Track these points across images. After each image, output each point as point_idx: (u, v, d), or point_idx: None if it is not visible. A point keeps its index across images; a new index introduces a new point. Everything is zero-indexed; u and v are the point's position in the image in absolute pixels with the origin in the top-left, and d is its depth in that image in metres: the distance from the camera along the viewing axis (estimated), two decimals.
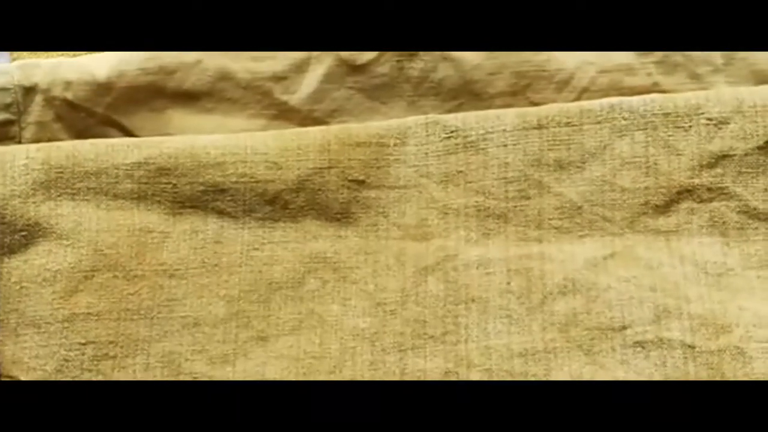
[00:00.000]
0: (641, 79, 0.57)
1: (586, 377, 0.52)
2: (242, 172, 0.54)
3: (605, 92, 0.57)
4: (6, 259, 0.51)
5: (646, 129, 0.55)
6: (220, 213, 0.54)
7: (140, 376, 0.51)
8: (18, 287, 0.51)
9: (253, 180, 0.54)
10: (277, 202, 0.54)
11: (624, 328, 0.52)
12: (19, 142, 0.54)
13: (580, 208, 0.55)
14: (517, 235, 0.54)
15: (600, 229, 0.54)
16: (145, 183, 0.53)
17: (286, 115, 0.57)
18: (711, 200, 0.54)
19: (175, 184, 0.53)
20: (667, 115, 0.55)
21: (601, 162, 0.55)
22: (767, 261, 0.53)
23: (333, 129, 0.55)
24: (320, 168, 0.54)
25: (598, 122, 0.55)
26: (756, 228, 0.54)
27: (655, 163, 0.54)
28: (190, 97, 0.56)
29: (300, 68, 0.57)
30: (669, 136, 0.55)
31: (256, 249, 0.54)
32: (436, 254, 0.54)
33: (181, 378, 0.52)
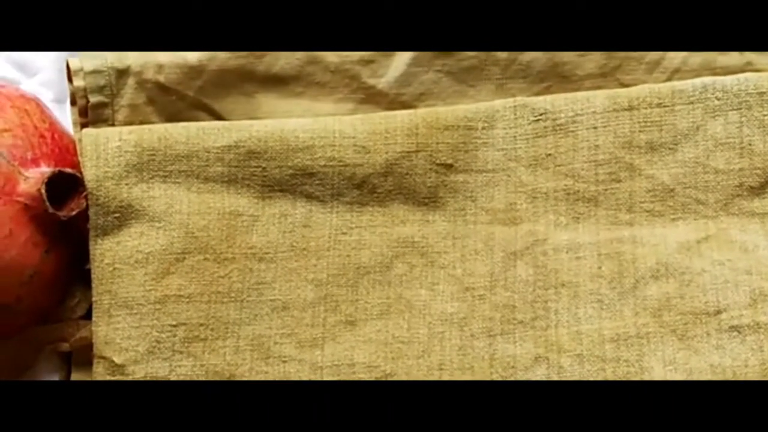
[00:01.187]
0: (734, 59, 0.55)
1: (680, 362, 0.49)
2: (331, 156, 0.53)
3: (697, 72, 0.55)
4: (99, 241, 0.51)
5: (740, 109, 0.52)
6: (309, 197, 0.53)
7: (230, 359, 0.51)
8: (111, 269, 0.51)
9: (341, 164, 0.53)
10: (365, 186, 0.53)
11: (719, 312, 0.50)
12: (112, 125, 0.54)
13: (672, 190, 0.52)
14: (608, 219, 0.52)
15: (693, 212, 0.52)
16: (235, 166, 0.52)
17: (373, 98, 0.56)
18: None
19: (264, 168, 0.52)
20: (761, 94, 0.52)
21: (693, 143, 0.53)
22: None
23: (420, 112, 0.54)
24: (408, 152, 0.53)
25: (691, 103, 0.53)
26: None
27: (750, 144, 0.52)
28: (279, 81, 0.55)
29: (388, 52, 0.55)
30: (764, 115, 0.52)
31: (344, 233, 0.53)
32: (524, 239, 0.52)
33: (270, 360, 0.51)
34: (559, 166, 0.53)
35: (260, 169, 0.52)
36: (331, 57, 0.55)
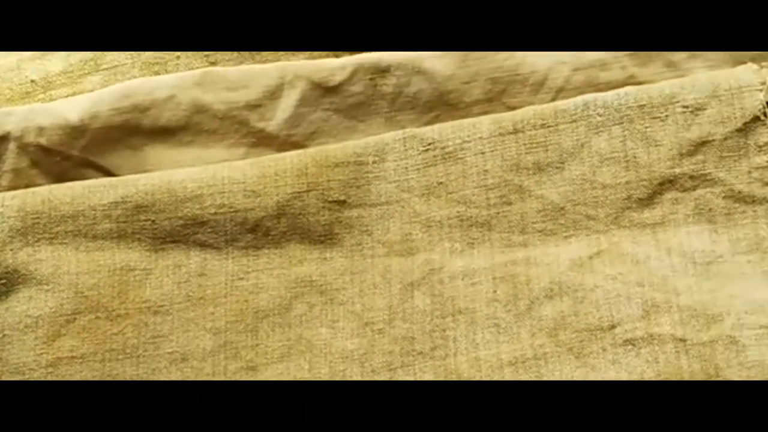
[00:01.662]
0: (616, 73, 0.55)
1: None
2: (221, 203, 0.52)
3: (581, 89, 0.55)
4: None
5: (622, 123, 0.52)
6: (202, 245, 0.52)
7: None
8: (0, 335, 0.50)
9: (232, 210, 0.52)
10: (258, 230, 0.52)
11: (613, 327, 0.50)
12: None
13: (562, 208, 0.52)
14: (502, 242, 0.52)
15: (585, 228, 0.52)
16: (124, 222, 0.52)
17: (264, 141, 0.55)
18: (695, 188, 0.51)
19: (153, 221, 0.52)
20: (642, 107, 0.52)
21: (579, 161, 0.52)
22: (756, 245, 0.50)
23: (310, 152, 0.53)
24: (299, 192, 0.52)
25: (574, 121, 0.53)
26: (743, 212, 0.50)
27: (635, 157, 0.52)
28: (166, 133, 0.55)
29: (273, 95, 0.55)
30: (646, 127, 0.52)
31: (241, 278, 0.52)
32: (421, 268, 0.52)
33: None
34: (450, 193, 0.53)
35: (150, 222, 0.52)
36: (218, 105, 0.55)
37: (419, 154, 0.53)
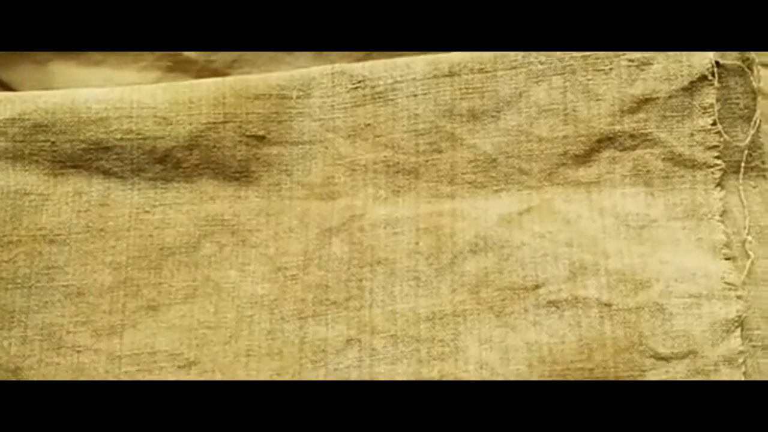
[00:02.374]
0: None
1: (496, 341, 0.46)
2: (128, 128, 0.48)
3: None
4: None
5: (564, 73, 0.49)
6: (106, 173, 0.48)
7: (15, 351, 0.46)
8: None
9: (140, 136, 0.48)
10: (168, 161, 0.48)
11: (537, 287, 0.46)
12: None
13: (495, 160, 0.49)
14: (429, 192, 0.49)
15: (516, 183, 0.48)
16: (21, 141, 0.47)
17: (181, 66, 0.51)
18: (634, 148, 0.48)
19: (54, 142, 0.47)
20: (585, 57, 0.49)
21: (516, 110, 0.49)
22: (692, 210, 0.47)
23: (228, 80, 0.49)
24: (215, 123, 0.48)
25: (514, 68, 0.49)
26: (682, 176, 0.48)
27: (574, 110, 0.48)
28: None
29: None
30: (588, 80, 0.49)
31: (147, 212, 0.48)
32: (341, 214, 0.48)
33: (63, 350, 0.46)
34: (378, 136, 0.49)
35: (49, 143, 0.47)
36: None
37: (347, 92, 0.49)
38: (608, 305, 0.45)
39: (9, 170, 0.47)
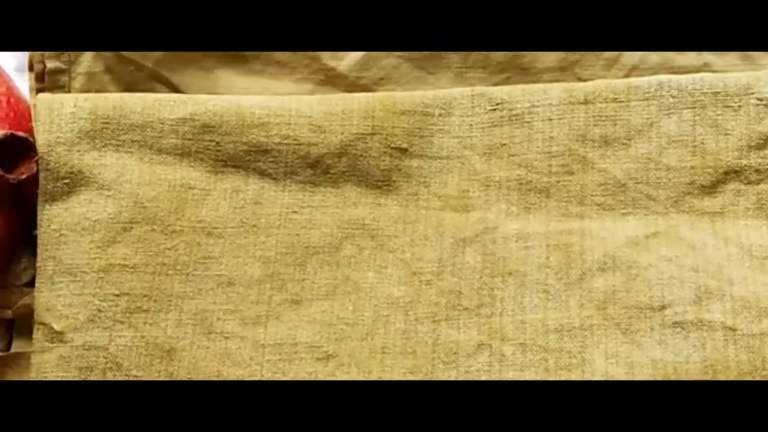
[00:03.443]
0: (692, 59, 0.53)
1: (622, 356, 0.47)
2: (286, 134, 0.50)
3: (655, 70, 0.53)
4: (47, 206, 0.49)
5: (694, 108, 0.51)
6: (262, 174, 0.51)
7: (171, 332, 0.48)
8: (57, 234, 0.48)
9: (296, 142, 0.50)
10: (318, 166, 0.51)
11: (663, 307, 0.48)
12: (68, 92, 0.51)
13: (624, 185, 0.51)
14: (559, 211, 0.51)
15: (643, 208, 0.50)
16: (189, 139, 0.50)
17: (333, 80, 0.54)
18: (759, 182, 0.50)
19: (218, 142, 0.50)
20: (716, 94, 0.50)
21: (647, 139, 0.51)
22: None
23: (378, 96, 0.52)
24: (363, 134, 0.51)
25: (646, 99, 0.51)
26: None
27: (702, 143, 0.50)
28: (238, 58, 0.53)
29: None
30: (717, 115, 0.50)
31: (295, 212, 0.51)
32: (475, 226, 0.50)
33: (212, 336, 0.49)
34: (513, 156, 0.51)
35: (214, 143, 0.50)
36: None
37: (486, 113, 0.52)
38: (733, 330, 0.47)
39: (176, 165, 0.50)
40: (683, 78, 0.51)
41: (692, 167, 0.50)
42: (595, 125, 0.51)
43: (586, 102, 0.51)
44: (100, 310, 0.48)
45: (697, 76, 0.51)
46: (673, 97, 0.51)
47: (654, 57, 0.53)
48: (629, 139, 0.51)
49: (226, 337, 0.49)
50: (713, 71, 0.53)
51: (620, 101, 0.51)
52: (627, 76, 0.53)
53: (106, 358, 0.47)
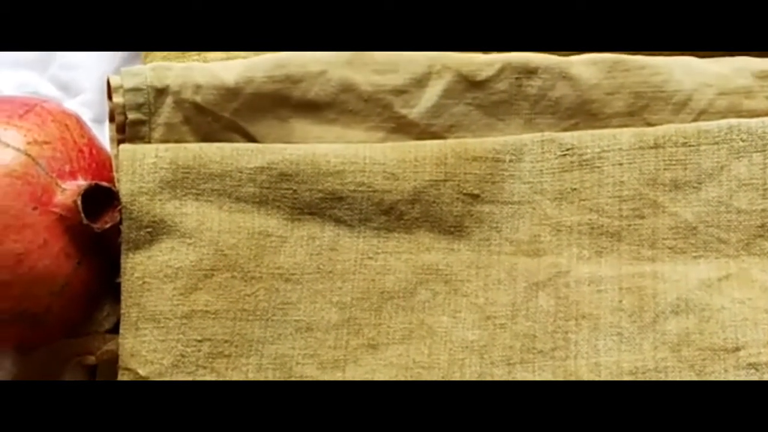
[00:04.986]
0: (760, 102, 0.55)
1: None
2: (360, 181, 0.53)
3: (723, 114, 0.55)
4: (131, 254, 0.52)
5: (764, 151, 0.53)
6: (337, 221, 0.54)
7: (252, 377, 0.51)
8: (141, 282, 0.52)
9: (370, 189, 0.53)
10: (392, 213, 0.54)
11: (737, 349, 0.50)
12: (149, 142, 0.55)
13: (695, 228, 0.53)
14: (630, 254, 0.53)
15: (715, 251, 0.53)
16: (267, 187, 0.53)
17: (404, 128, 0.57)
18: None
19: (295, 190, 0.53)
20: None
21: (717, 183, 0.53)
22: None
23: (450, 143, 0.55)
24: (436, 180, 0.54)
25: (716, 143, 0.53)
26: None
27: None
28: (313, 107, 0.56)
29: (420, 83, 0.56)
30: None
31: (370, 258, 0.53)
32: (547, 270, 0.53)
33: (293, 380, 0.51)
34: (583, 200, 0.54)
35: (291, 191, 0.53)
36: (365, 86, 0.56)
37: (556, 158, 0.54)
38: None
39: (255, 213, 0.53)
40: (753, 122, 0.53)
41: (763, 210, 0.52)
42: (665, 169, 0.53)
43: (656, 146, 0.54)
44: (183, 356, 0.51)
45: (767, 119, 0.53)
46: (743, 140, 0.53)
47: (722, 101, 0.56)
48: (700, 183, 0.53)
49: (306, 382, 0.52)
50: None
51: (690, 145, 0.53)
52: (695, 120, 0.56)
53: None
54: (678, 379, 0.50)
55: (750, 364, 0.50)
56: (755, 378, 0.49)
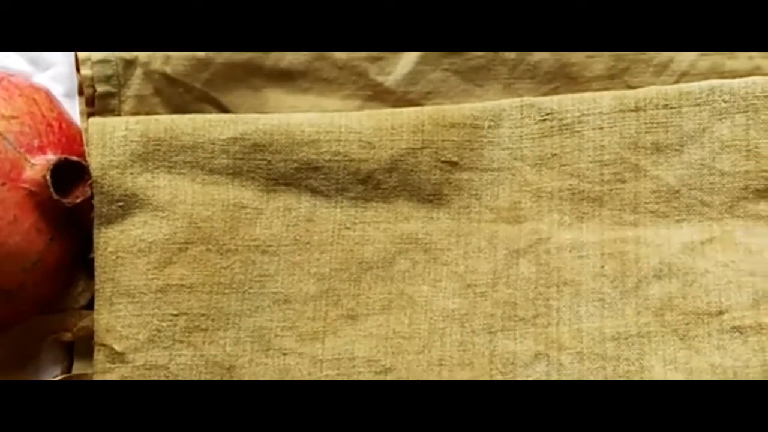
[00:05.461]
0: (743, 63, 0.55)
1: (681, 362, 0.49)
2: (336, 151, 0.53)
3: (705, 76, 0.55)
4: (103, 229, 0.51)
5: (747, 111, 0.52)
6: (313, 191, 0.53)
7: (230, 350, 0.51)
8: (114, 257, 0.51)
9: (346, 159, 0.53)
10: (369, 182, 0.53)
11: (721, 312, 0.50)
12: (118, 115, 0.54)
13: (677, 192, 0.53)
14: (612, 219, 0.53)
15: (698, 214, 0.52)
16: (240, 159, 0.53)
17: (380, 96, 0.56)
18: None
19: (269, 161, 0.53)
20: None
21: (699, 145, 0.53)
22: None
23: (427, 110, 0.54)
24: (413, 148, 0.53)
25: (698, 105, 0.53)
26: None
27: (756, 147, 0.52)
28: (286, 76, 0.55)
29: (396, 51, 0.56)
30: None
31: (348, 228, 0.53)
32: (528, 237, 0.53)
33: (271, 352, 0.51)
34: (564, 165, 0.53)
35: (265, 162, 0.53)
36: (339, 54, 0.56)
37: (536, 123, 0.54)
38: None
39: (229, 185, 0.52)
40: (735, 82, 0.53)
41: (746, 171, 0.52)
42: (646, 132, 0.53)
43: (637, 109, 0.53)
44: (159, 330, 0.51)
45: (749, 79, 0.53)
46: (725, 101, 0.53)
47: (704, 62, 0.55)
48: (682, 146, 0.53)
49: (285, 354, 0.51)
50: (764, 74, 0.54)
51: (672, 107, 0.53)
52: (677, 82, 0.55)
53: (167, 377, 0.50)
54: (661, 343, 0.50)
55: (734, 328, 0.50)
56: (739, 341, 0.49)
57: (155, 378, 0.50)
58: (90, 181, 0.52)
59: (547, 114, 0.54)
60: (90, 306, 0.53)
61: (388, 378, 0.51)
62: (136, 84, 0.54)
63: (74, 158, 0.52)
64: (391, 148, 0.53)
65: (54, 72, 0.60)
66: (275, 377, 0.51)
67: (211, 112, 0.55)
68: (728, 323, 0.50)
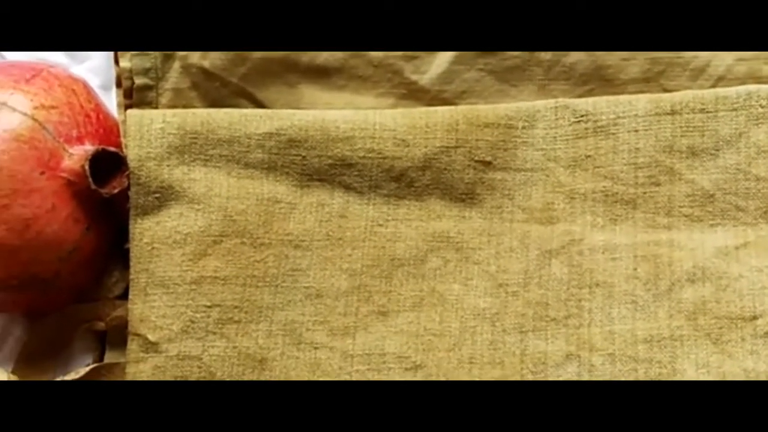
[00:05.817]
0: None
1: (713, 366, 0.50)
2: (370, 148, 0.53)
3: (742, 80, 0.55)
4: (139, 220, 0.52)
5: None
6: (347, 187, 0.54)
7: (262, 343, 0.52)
8: (149, 248, 0.52)
9: (380, 156, 0.53)
10: (402, 180, 0.54)
11: (755, 317, 0.50)
12: (156, 107, 0.55)
13: (712, 196, 0.53)
14: (646, 222, 0.53)
15: (732, 218, 0.52)
16: (276, 153, 0.53)
17: (415, 94, 0.57)
18: None
19: (304, 156, 0.53)
20: None
21: (735, 150, 0.53)
22: None
23: (461, 109, 0.54)
24: (447, 147, 0.54)
25: (734, 109, 0.53)
26: None
27: None
28: (322, 73, 0.56)
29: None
30: None
31: (380, 225, 0.54)
32: (560, 238, 0.53)
33: (302, 346, 0.52)
34: (598, 167, 0.54)
35: (300, 157, 0.53)
36: (375, 52, 0.56)
37: (570, 124, 0.54)
38: None
39: (263, 180, 0.53)
40: None
41: None
42: (682, 136, 0.53)
43: (672, 113, 0.53)
44: (193, 321, 0.51)
45: None
46: (762, 107, 0.53)
47: (741, 67, 0.55)
48: (717, 150, 0.53)
49: (316, 348, 0.52)
50: None
51: (708, 111, 0.53)
52: (713, 86, 0.55)
53: (199, 367, 0.51)
54: (694, 347, 0.50)
55: (767, 333, 0.50)
56: None
57: (188, 368, 0.51)
58: (127, 172, 0.52)
59: (582, 116, 0.54)
60: (124, 296, 0.54)
61: (418, 374, 0.51)
62: (173, 77, 0.55)
63: (112, 149, 0.53)
64: (425, 147, 0.54)
65: (91, 64, 0.61)
66: (306, 371, 0.51)
67: (246, 107, 0.56)
68: (762, 328, 0.50)
